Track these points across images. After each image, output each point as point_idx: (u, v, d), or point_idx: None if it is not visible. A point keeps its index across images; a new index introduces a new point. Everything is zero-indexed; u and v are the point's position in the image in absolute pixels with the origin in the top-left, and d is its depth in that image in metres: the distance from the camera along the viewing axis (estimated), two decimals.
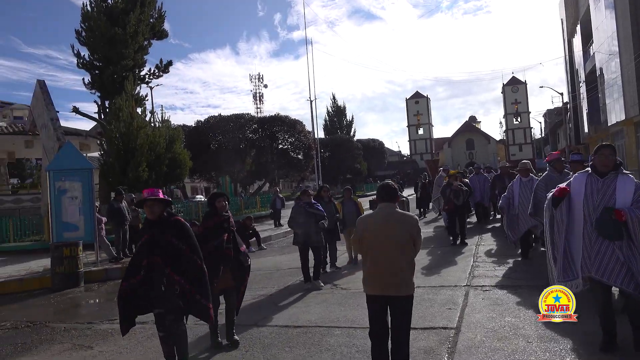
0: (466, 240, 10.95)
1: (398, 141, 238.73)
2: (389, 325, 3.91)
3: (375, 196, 5.39)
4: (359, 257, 8.65)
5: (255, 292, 7.95)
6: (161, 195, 4.49)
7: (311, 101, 40.00)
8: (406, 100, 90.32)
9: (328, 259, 9.57)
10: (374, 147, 59.72)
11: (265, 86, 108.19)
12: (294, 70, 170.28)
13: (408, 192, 28.41)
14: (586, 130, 37.74)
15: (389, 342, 3.92)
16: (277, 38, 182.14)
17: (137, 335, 5.85)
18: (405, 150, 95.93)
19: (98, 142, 20.50)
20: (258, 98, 74.50)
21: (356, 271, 8.93)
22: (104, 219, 12.57)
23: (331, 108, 62.11)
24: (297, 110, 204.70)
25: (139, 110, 19.08)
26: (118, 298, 4.37)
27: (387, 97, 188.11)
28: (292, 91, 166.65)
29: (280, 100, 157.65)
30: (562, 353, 4.29)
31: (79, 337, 6.25)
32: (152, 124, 19.33)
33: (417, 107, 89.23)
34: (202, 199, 31.65)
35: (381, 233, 3.93)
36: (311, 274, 8.15)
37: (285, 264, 10.72)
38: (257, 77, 75.05)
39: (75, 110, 20.53)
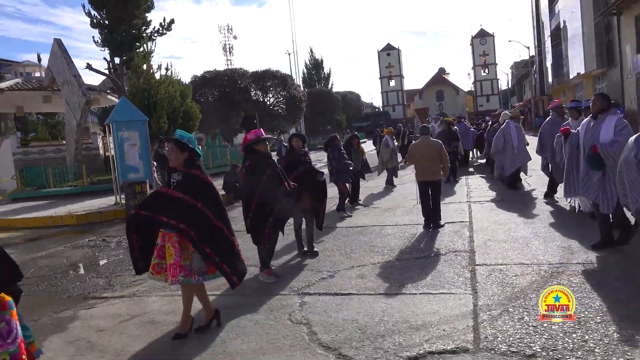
0: (457, 178, 13.72)
1: (371, 93, 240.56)
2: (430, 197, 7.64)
3: None
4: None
5: None
6: (265, 135, 6.41)
7: (289, 54, 41.93)
8: (378, 52, 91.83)
9: None
10: (351, 100, 61.98)
11: (235, 37, 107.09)
12: (262, 20, 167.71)
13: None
14: (550, 81, 40.90)
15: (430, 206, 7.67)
16: None
17: None
18: (378, 102, 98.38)
19: (113, 96, 22.19)
20: (228, 50, 71.88)
21: (374, 200, 11.54)
22: (155, 163, 14.73)
23: (309, 61, 63.50)
24: (267, 63, 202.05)
25: (154, 66, 20.86)
26: None
27: (359, 49, 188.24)
28: (261, 43, 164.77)
29: (249, 52, 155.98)
30: (543, 227, 7.05)
31: None
32: (165, 78, 21.12)
33: (389, 59, 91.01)
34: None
35: (424, 151, 7.59)
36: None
37: None
38: (226, 27, 72.98)
39: (90, 67, 22.07)
